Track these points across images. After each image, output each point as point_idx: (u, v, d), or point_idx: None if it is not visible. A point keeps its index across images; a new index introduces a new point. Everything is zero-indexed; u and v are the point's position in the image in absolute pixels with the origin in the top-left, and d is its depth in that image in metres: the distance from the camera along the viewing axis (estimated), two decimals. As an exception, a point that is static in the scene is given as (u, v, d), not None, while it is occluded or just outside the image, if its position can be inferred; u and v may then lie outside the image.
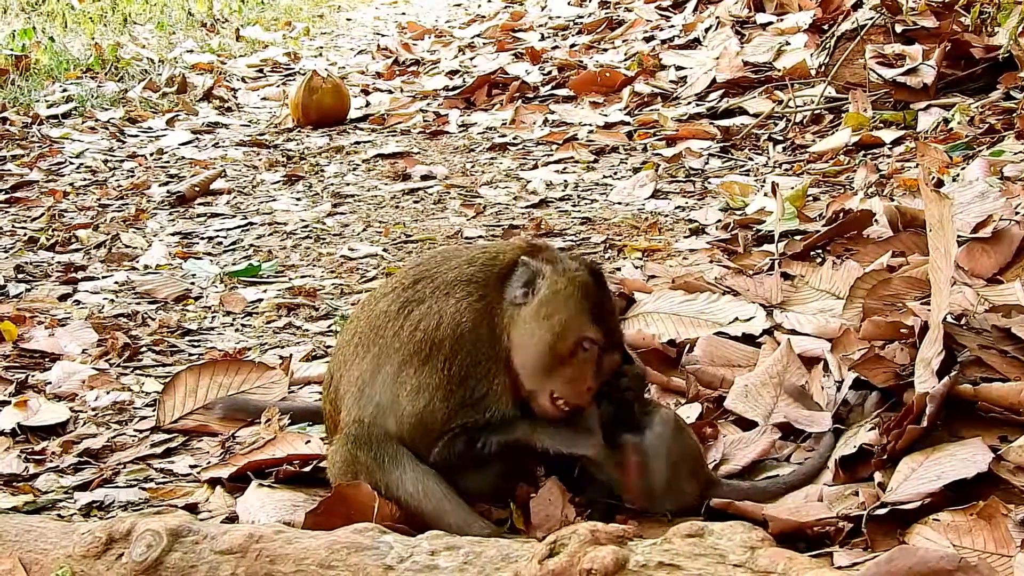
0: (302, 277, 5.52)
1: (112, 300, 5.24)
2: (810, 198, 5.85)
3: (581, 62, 9.88)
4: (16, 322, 4.79)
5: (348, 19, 15.23)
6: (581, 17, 11.76)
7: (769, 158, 7.01)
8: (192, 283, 5.44)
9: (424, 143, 8.28)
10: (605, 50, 10.38)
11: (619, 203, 6.41)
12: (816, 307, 4.30)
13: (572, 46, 10.75)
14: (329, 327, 4.82)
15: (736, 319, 4.19)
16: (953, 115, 6.68)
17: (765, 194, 5.96)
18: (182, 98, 9.88)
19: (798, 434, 3.45)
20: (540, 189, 6.78)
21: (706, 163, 7.05)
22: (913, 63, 7.22)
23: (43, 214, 6.63)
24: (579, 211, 6.31)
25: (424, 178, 7.25)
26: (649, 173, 6.76)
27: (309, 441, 3.57)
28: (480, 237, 5.93)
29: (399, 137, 8.50)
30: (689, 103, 8.36)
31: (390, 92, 10.06)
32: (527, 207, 6.47)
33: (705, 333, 4.10)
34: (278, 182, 7.35)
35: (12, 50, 10.97)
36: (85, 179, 7.51)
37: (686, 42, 9.73)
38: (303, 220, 6.46)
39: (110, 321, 4.91)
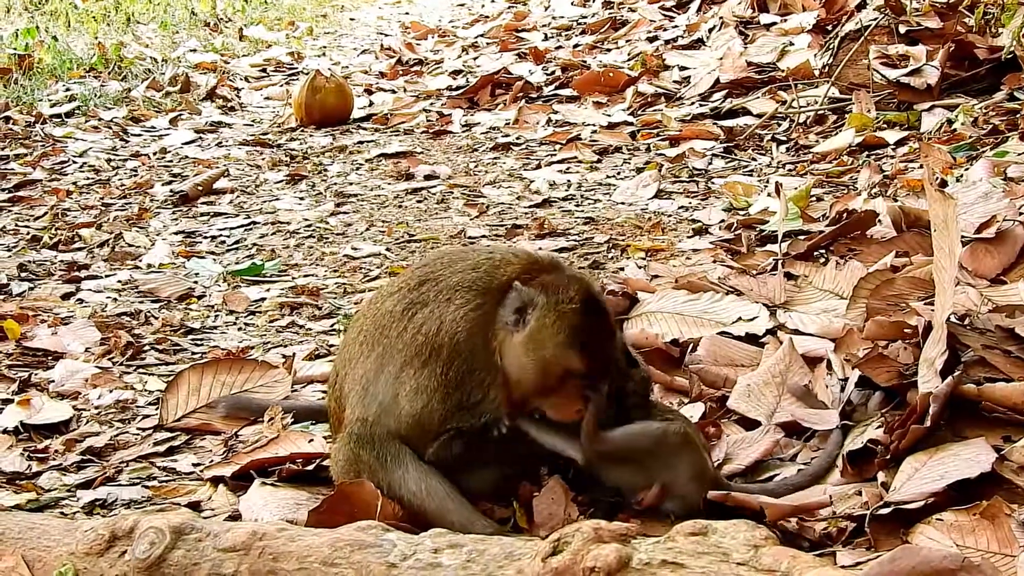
0: (305, 276, 5.52)
1: (115, 299, 5.24)
2: (813, 198, 5.85)
3: (585, 62, 9.87)
4: (19, 320, 4.79)
5: (351, 19, 15.23)
6: (585, 17, 11.76)
7: (773, 158, 7.01)
8: (195, 282, 5.44)
9: (427, 143, 8.28)
10: (609, 50, 10.38)
11: (622, 203, 6.40)
12: (820, 307, 4.30)
13: (576, 46, 10.75)
14: (332, 326, 4.82)
15: (739, 319, 4.19)
16: (957, 116, 6.67)
17: (769, 194, 5.96)
18: (185, 97, 9.89)
19: (801, 433, 3.45)
20: (543, 189, 6.78)
21: (709, 163, 7.05)
22: (917, 64, 7.21)
23: (46, 213, 6.64)
24: (582, 211, 6.31)
25: (427, 178, 7.25)
26: (652, 173, 6.75)
27: (312, 440, 3.57)
28: (483, 237, 5.93)
29: (402, 137, 8.50)
30: (693, 103, 8.36)
31: (393, 92, 10.06)
32: (530, 207, 6.47)
33: (708, 333, 4.10)
34: (281, 181, 7.35)
35: (15, 49, 10.98)
36: (88, 178, 7.52)
37: (690, 42, 9.73)
38: (306, 219, 6.46)
39: (113, 320, 4.91)
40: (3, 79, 10.07)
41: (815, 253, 4.93)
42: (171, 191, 7.07)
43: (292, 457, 3.49)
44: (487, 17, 13.28)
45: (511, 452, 3.11)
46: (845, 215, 5.24)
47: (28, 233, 6.29)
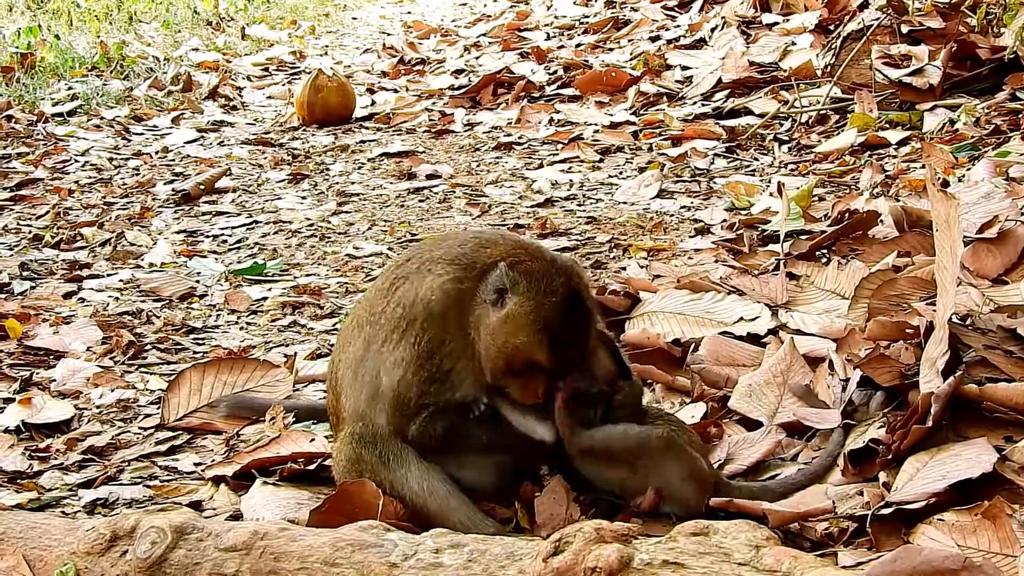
0: (307, 276, 5.52)
1: (117, 298, 5.25)
2: (815, 198, 5.85)
3: (587, 62, 9.87)
4: (21, 320, 4.79)
5: (354, 18, 15.24)
6: (587, 17, 11.76)
7: (775, 158, 7.01)
8: (197, 281, 5.44)
9: (429, 142, 8.28)
10: (611, 50, 10.38)
11: (624, 203, 6.40)
12: (821, 307, 4.29)
13: (578, 46, 10.75)
14: (334, 326, 4.82)
15: (741, 319, 4.18)
16: (959, 116, 6.67)
17: (771, 194, 5.96)
18: (187, 96, 9.89)
19: (803, 433, 3.45)
20: (545, 188, 6.78)
21: (711, 163, 7.05)
22: (919, 64, 7.21)
23: (48, 212, 6.64)
24: (584, 210, 6.31)
25: (429, 177, 7.25)
26: (654, 173, 6.75)
27: (313, 439, 3.57)
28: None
29: (404, 136, 8.50)
30: (695, 103, 8.36)
31: (395, 91, 10.06)
32: (532, 206, 6.47)
33: (710, 333, 4.10)
34: (283, 181, 7.36)
35: (18, 48, 10.98)
36: (90, 177, 7.52)
37: (692, 42, 9.73)
38: (308, 219, 6.46)
39: (115, 319, 4.91)
40: (5, 78, 10.07)
41: (817, 253, 4.93)
42: (173, 190, 7.06)
43: (294, 456, 3.50)
44: (489, 16, 13.29)
45: (494, 436, 3.10)
46: (847, 215, 5.24)
47: (30, 232, 6.29)
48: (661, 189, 6.54)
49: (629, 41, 10.45)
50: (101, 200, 6.96)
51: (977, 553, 2.69)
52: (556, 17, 12.07)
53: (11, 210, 6.77)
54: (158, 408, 4.01)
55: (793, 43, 8.73)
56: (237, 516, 3.25)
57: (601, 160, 7.38)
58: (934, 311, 3.39)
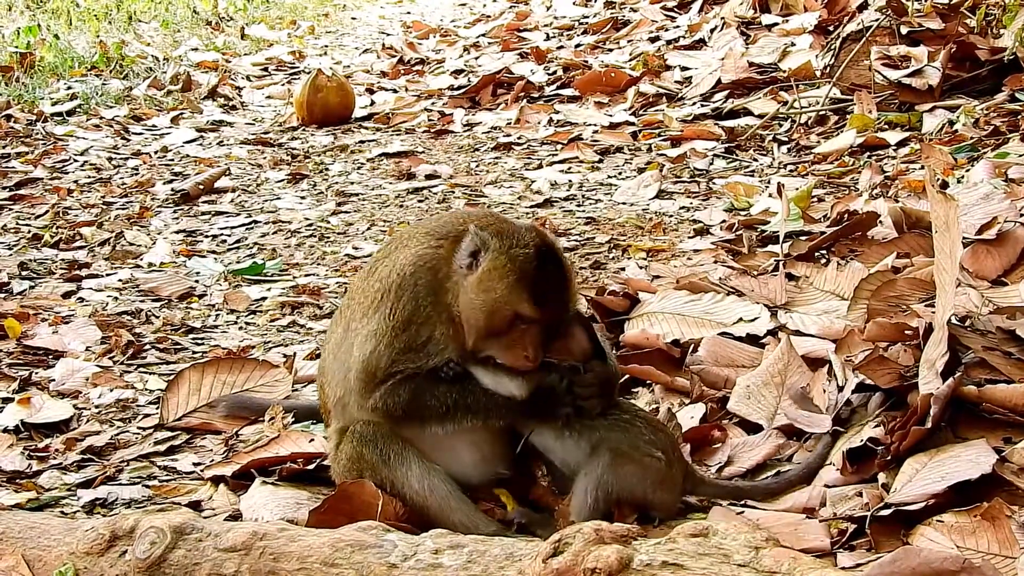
0: (306, 275, 5.52)
1: (116, 298, 5.24)
2: (815, 199, 5.84)
3: (586, 62, 9.87)
4: (20, 319, 4.79)
5: (353, 18, 15.23)
6: (586, 17, 11.76)
7: (774, 159, 7.01)
8: (196, 281, 5.44)
9: (429, 142, 8.28)
10: (610, 50, 10.38)
11: (624, 203, 6.40)
12: (820, 308, 4.29)
13: (577, 46, 10.75)
14: (333, 325, 4.82)
15: (740, 319, 4.18)
16: (958, 117, 6.67)
17: (770, 195, 5.96)
18: (187, 96, 9.89)
19: (801, 434, 3.45)
20: (545, 189, 6.78)
21: (711, 164, 7.05)
22: (918, 65, 7.21)
23: (47, 211, 6.64)
24: (584, 211, 6.31)
25: (428, 177, 7.25)
26: (654, 173, 6.75)
27: (312, 439, 3.57)
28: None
29: (404, 136, 8.50)
30: (694, 103, 8.36)
31: (395, 91, 10.06)
32: (532, 207, 6.47)
33: (709, 333, 4.10)
34: (282, 180, 7.35)
35: (17, 47, 10.97)
36: (89, 177, 7.52)
37: (691, 43, 9.73)
38: (307, 218, 6.46)
39: (114, 319, 4.91)
40: (5, 77, 10.07)
41: (816, 254, 4.93)
42: (172, 190, 7.06)
43: (293, 456, 3.50)
44: (489, 17, 13.28)
45: (461, 396, 3.09)
46: (846, 216, 5.24)
47: (29, 231, 6.29)
48: (660, 190, 6.54)
49: (628, 42, 10.45)
50: (100, 200, 6.96)
51: (976, 554, 2.69)
52: (556, 17, 12.07)
53: (10, 210, 6.76)
54: (157, 408, 4.01)
55: (792, 44, 8.73)
56: (236, 516, 3.26)
57: (600, 160, 7.38)
58: (933, 312, 3.39)
